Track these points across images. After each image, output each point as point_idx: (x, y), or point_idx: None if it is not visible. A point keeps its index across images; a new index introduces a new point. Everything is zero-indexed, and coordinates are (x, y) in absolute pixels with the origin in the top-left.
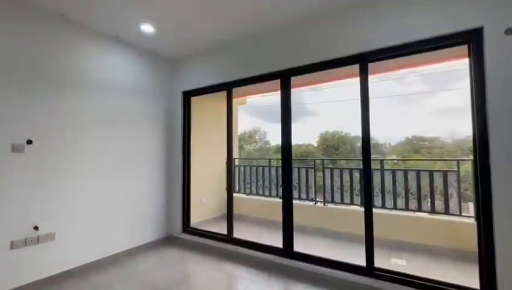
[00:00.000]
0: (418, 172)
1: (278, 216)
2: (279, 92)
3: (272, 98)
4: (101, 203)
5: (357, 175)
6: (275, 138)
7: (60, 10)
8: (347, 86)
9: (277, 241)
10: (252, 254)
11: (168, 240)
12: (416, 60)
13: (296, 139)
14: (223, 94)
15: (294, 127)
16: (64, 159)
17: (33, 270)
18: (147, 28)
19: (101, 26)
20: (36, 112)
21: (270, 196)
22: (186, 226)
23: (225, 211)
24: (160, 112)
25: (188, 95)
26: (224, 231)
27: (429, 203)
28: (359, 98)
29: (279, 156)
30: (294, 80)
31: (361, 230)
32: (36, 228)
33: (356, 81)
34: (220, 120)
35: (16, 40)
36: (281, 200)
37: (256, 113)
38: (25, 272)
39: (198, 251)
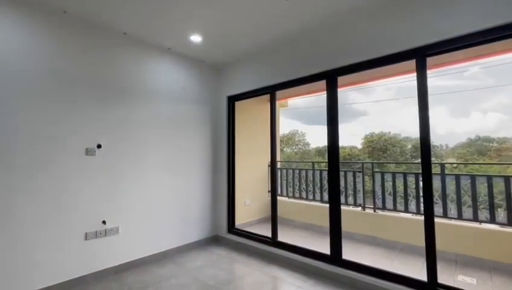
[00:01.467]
0: (490, 177)
1: (322, 221)
2: (319, 93)
3: (310, 99)
4: (156, 202)
5: (411, 180)
6: (313, 140)
7: (123, 29)
8: (396, 83)
9: (323, 247)
10: (297, 258)
11: (214, 240)
12: (482, 50)
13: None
14: (265, 97)
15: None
16: (126, 162)
17: (102, 259)
18: (196, 38)
19: (156, 40)
20: (104, 120)
21: (314, 199)
22: (232, 227)
23: (268, 214)
24: (207, 116)
25: (232, 100)
26: (268, 234)
27: (504, 214)
28: (411, 96)
29: (320, 158)
30: (340, 80)
31: (417, 240)
32: (104, 222)
33: (407, 78)
34: (261, 123)
35: (90, 57)
36: (324, 205)
37: (293, 116)
38: (97, 260)
39: (244, 251)
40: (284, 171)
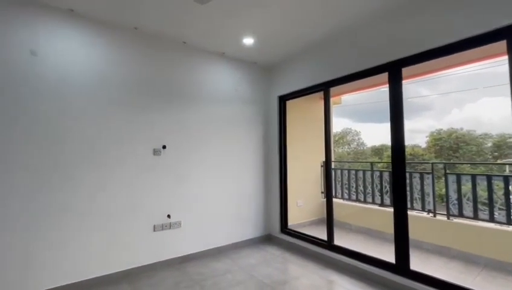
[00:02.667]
0: None
1: (382, 226)
2: (374, 88)
3: (362, 96)
4: (212, 200)
5: (497, 183)
6: (366, 139)
7: (183, 39)
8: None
9: (384, 255)
10: (355, 264)
11: (267, 239)
12: None
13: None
14: (316, 95)
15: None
16: (186, 162)
17: (168, 250)
18: (248, 41)
19: (211, 47)
20: (168, 122)
21: (372, 202)
22: (284, 227)
23: (321, 216)
24: (259, 117)
25: (283, 99)
26: (322, 236)
27: None
28: (494, 84)
29: (377, 158)
30: (405, 71)
31: (506, 256)
32: (169, 216)
33: (490, 63)
34: (312, 121)
35: (154, 66)
36: (385, 209)
37: (342, 114)
38: (164, 251)
39: (297, 252)
40: (339, 171)
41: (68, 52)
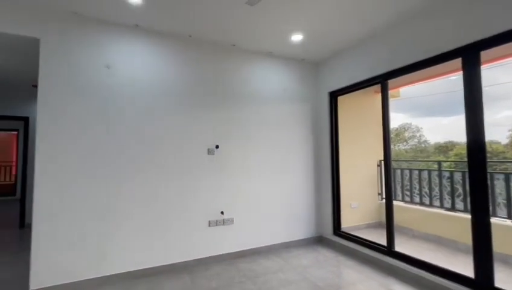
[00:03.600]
0: None
1: (454, 234)
2: (439, 77)
3: (420, 87)
4: (264, 199)
5: None
6: (429, 135)
7: (232, 42)
8: None
9: (458, 267)
10: (422, 275)
11: (319, 241)
12: None
13: (462, 135)
14: (370, 89)
15: (460, 119)
16: (238, 160)
17: (221, 245)
18: (297, 38)
19: (259, 47)
20: (221, 123)
21: (441, 207)
22: (337, 229)
23: (378, 219)
24: (308, 114)
25: (334, 95)
26: (380, 241)
27: None
28: None
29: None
30: (484, 55)
31: None
32: (222, 213)
33: None
34: (366, 117)
35: (207, 70)
36: (457, 214)
37: (400, 108)
38: (217, 246)
39: (352, 256)
40: (398, 171)
41: (133, 63)
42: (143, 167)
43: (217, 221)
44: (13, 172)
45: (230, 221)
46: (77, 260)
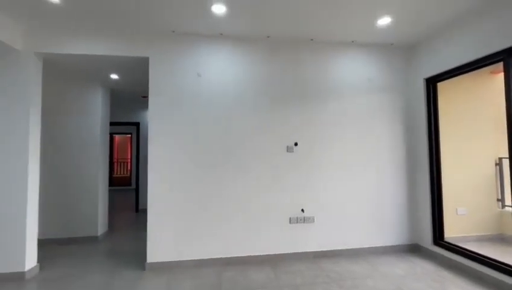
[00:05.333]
0: None
1: None
2: None
3: None
4: (347, 199)
5: None
6: None
7: (310, 36)
8: None
9: None
10: None
11: (414, 250)
12: None
13: None
14: (481, 71)
15: None
16: (318, 157)
17: (302, 243)
18: (384, 21)
19: (340, 37)
20: (299, 120)
21: None
22: (439, 239)
23: (497, 231)
24: (398, 105)
25: (432, 82)
26: (500, 257)
27: None
28: None
29: None
30: None
31: None
32: (302, 210)
33: None
34: (478, 105)
35: (285, 68)
36: None
37: None
38: (298, 243)
39: (461, 273)
40: None
41: (217, 68)
42: (229, 165)
43: (297, 218)
44: (128, 167)
45: (311, 219)
46: (179, 242)
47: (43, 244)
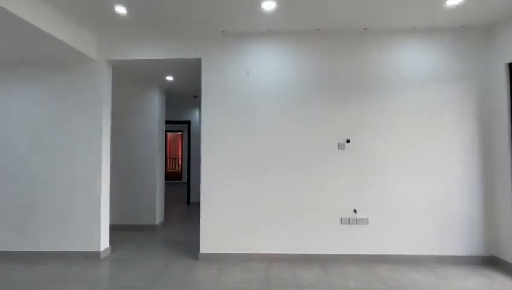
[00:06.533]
0: None
1: None
2: None
3: None
4: (406, 201)
5: None
6: None
7: (364, 26)
8: None
9: None
10: None
11: (489, 262)
12: None
13: None
14: None
15: None
16: (372, 155)
17: (354, 245)
18: (454, 1)
19: (398, 24)
20: (350, 115)
21: None
22: None
23: None
24: (469, 95)
25: None
26: None
27: None
28: None
29: None
30: None
31: None
32: (355, 211)
33: None
34: None
35: (335, 61)
36: None
37: None
38: (350, 245)
39: None
40: None
41: (266, 65)
42: (278, 162)
43: (349, 219)
44: (179, 162)
45: (365, 221)
46: (229, 235)
47: (111, 229)
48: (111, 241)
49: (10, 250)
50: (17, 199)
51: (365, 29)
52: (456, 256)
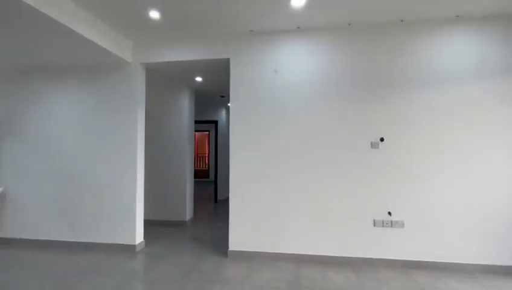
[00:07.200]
0: None
1: None
2: None
3: None
4: (447, 203)
5: None
6: None
7: (400, 17)
8: None
9: None
10: None
11: None
12: None
13: None
14: None
15: None
16: (409, 155)
17: (388, 249)
18: None
19: (438, 13)
20: (385, 113)
21: None
22: None
23: None
24: None
25: None
26: None
27: None
28: None
29: None
30: None
31: None
32: (389, 213)
33: None
34: None
35: (368, 56)
36: None
37: None
38: (383, 248)
39: None
40: None
41: (295, 63)
42: (308, 161)
43: (383, 221)
44: (206, 161)
45: (400, 224)
46: (257, 234)
47: (143, 224)
48: (144, 236)
49: (58, 240)
50: (64, 194)
51: (401, 20)
52: (505, 266)
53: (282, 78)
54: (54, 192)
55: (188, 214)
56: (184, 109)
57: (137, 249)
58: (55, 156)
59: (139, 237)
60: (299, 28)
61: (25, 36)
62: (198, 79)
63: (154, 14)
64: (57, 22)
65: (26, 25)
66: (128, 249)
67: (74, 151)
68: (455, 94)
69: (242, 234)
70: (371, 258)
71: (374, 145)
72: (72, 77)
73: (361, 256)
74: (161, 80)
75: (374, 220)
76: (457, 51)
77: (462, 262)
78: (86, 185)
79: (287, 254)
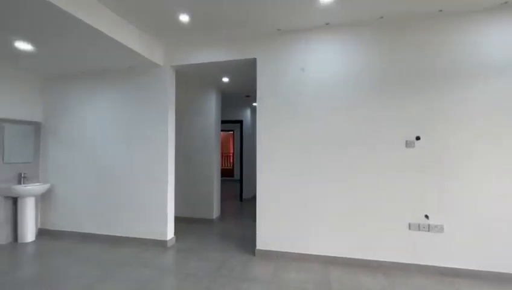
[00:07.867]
0: None
1: None
2: None
3: None
4: (490, 206)
5: None
6: None
7: (438, 7)
8: None
9: None
10: None
11: None
12: None
13: None
14: None
15: None
16: (449, 155)
17: (424, 254)
18: None
19: (481, 1)
20: (421, 110)
21: None
22: None
23: None
24: None
25: None
26: None
27: None
28: None
29: None
30: None
31: None
32: (427, 216)
33: None
34: None
35: (403, 51)
36: None
37: None
38: (419, 254)
39: None
40: None
41: (323, 61)
42: (337, 161)
43: (419, 225)
44: (230, 160)
45: (439, 228)
46: (285, 234)
47: (174, 221)
48: (175, 232)
49: (99, 233)
50: (103, 190)
51: (440, 10)
52: None
53: (310, 77)
54: (96, 190)
55: (216, 212)
56: (211, 109)
57: (169, 244)
58: (96, 156)
59: (170, 233)
60: (328, 24)
61: (68, 44)
62: (225, 79)
63: (184, 18)
64: (98, 31)
65: (70, 34)
66: (160, 245)
67: (112, 152)
68: (501, 89)
69: (269, 234)
70: (405, 263)
71: (409, 144)
72: (109, 82)
73: (394, 260)
74: (190, 81)
75: (410, 224)
76: (506, 41)
77: (510, 272)
78: (124, 184)
79: (315, 255)
